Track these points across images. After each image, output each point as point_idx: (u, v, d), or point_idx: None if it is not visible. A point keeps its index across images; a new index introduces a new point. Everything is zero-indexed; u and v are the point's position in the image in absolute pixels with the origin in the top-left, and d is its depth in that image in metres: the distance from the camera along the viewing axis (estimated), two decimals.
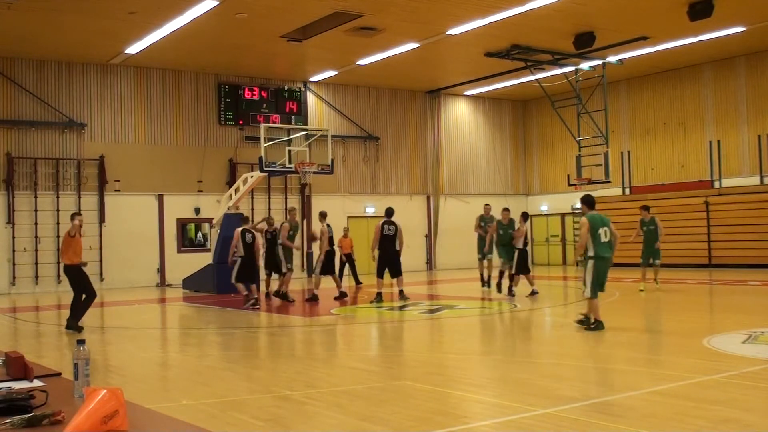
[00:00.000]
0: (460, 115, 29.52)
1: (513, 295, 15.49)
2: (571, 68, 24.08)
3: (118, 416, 2.53)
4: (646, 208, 16.82)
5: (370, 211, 26.89)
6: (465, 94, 29.15)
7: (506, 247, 15.97)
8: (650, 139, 26.50)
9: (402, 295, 15.27)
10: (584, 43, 20.78)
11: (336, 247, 17.47)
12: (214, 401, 6.57)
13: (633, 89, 26.96)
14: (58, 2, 16.62)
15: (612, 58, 23.36)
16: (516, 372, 7.93)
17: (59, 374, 3.69)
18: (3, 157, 21.22)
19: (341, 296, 16.21)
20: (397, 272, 15.52)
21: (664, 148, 26.12)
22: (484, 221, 17.58)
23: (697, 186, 24.68)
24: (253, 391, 7.05)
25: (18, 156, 21.34)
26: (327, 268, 16.38)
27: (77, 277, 11.82)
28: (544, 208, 29.85)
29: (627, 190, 26.73)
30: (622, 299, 15.23)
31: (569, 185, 24.89)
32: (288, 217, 16.38)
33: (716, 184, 24.37)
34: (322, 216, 16.60)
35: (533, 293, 15.55)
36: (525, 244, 15.93)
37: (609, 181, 23.83)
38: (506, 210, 16.44)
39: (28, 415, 2.66)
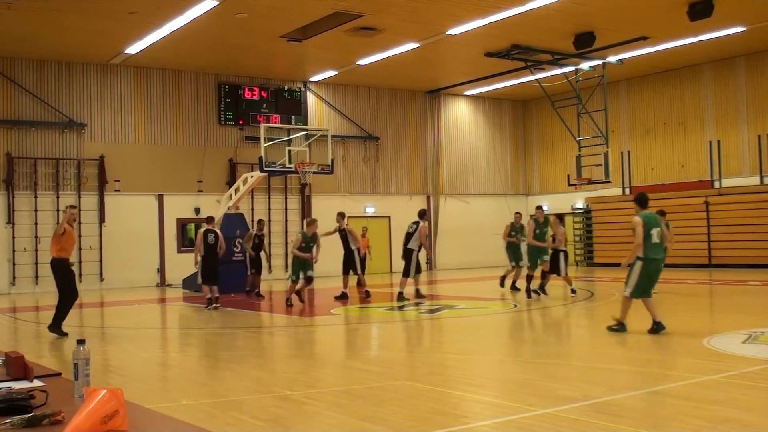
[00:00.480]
0: (460, 115, 29.52)
1: (545, 293, 15.49)
2: (571, 68, 24.08)
3: (118, 416, 2.54)
4: (662, 213, 16.44)
5: (370, 211, 26.90)
6: (465, 94, 29.15)
7: (540, 250, 15.56)
8: (650, 139, 26.51)
9: (400, 297, 15.25)
10: (584, 43, 20.78)
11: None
12: (214, 401, 6.57)
13: (633, 89, 26.96)
14: (58, 2, 16.62)
15: (612, 58, 23.36)
16: (516, 372, 7.93)
17: (59, 374, 3.69)
18: (3, 157, 21.23)
19: (342, 296, 16.21)
20: (403, 271, 15.55)
21: (664, 148, 26.12)
22: (515, 230, 17.14)
23: (697, 186, 24.68)
24: (253, 391, 7.05)
25: (18, 156, 21.34)
26: (349, 267, 16.56)
27: (59, 272, 11.12)
28: (544, 208, 29.81)
29: (627, 190, 26.72)
30: (620, 299, 15.22)
31: (569, 185, 24.90)
32: (306, 228, 15.32)
33: (716, 184, 24.38)
34: (342, 216, 16.69)
35: (538, 293, 15.49)
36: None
37: (609, 181, 23.84)
38: (540, 208, 16.05)
39: (28, 415, 2.66)
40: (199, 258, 15.39)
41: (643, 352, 9.01)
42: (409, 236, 15.60)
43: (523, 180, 31.05)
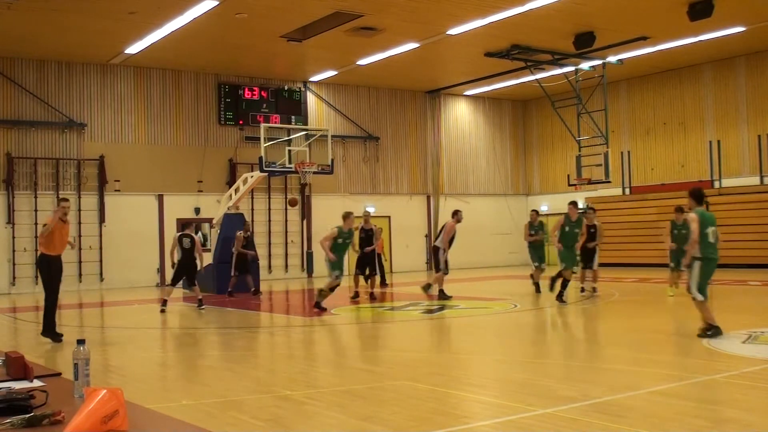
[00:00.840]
0: (460, 115, 29.52)
1: (595, 292, 14.95)
2: (571, 68, 24.08)
3: (118, 416, 2.54)
4: (680, 209, 14.95)
5: (370, 211, 26.87)
6: (465, 94, 29.15)
7: (571, 249, 14.20)
8: (650, 139, 26.50)
9: (424, 288, 15.20)
10: (584, 43, 20.78)
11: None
12: (214, 401, 6.57)
13: (633, 89, 26.96)
14: (58, 2, 16.62)
15: (612, 58, 23.36)
16: (516, 372, 7.93)
17: (59, 374, 3.69)
18: (3, 157, 21.23)
19: (356, 296, 16.12)
20: (434, 269, 15.58)
21: (664, 148, 26.12)
22: (533, 229, 16.70)
23: (697, 186, 24.65)
24: (253, 391, 7.05)
25: (18, 156, 21.35)
26: (366, 267, 16.61)
27: (43, 269, 10.59)
28: (544, 208, 29.80)
29: (627, 190, 26.72)
30: (621, 299, 15.23)
31: (569, 185, 24.90)
32: (343, 222, 14.04)
33: (716, 184, 24.37)
34: (369, 215, 16.77)
35: (584, 290, 15.11)
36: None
37: (609, 181, 23.84)
38: (574, 204, 14.65)
39: (28, 415, 2.66)
40: (175, 260, 15.32)
41: (643, 352, 9.00)
42: (438, 234, 15.71)
43: (523, 180, 31.05)
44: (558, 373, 7.67)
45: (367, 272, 16.95)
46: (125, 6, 16.94)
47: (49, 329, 10.62)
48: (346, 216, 14.08)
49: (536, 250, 16.71)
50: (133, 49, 20.62)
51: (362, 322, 13.34)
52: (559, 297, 14.03)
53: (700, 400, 6.11)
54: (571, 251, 14.22)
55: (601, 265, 26.04)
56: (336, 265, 13.76)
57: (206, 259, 20.57)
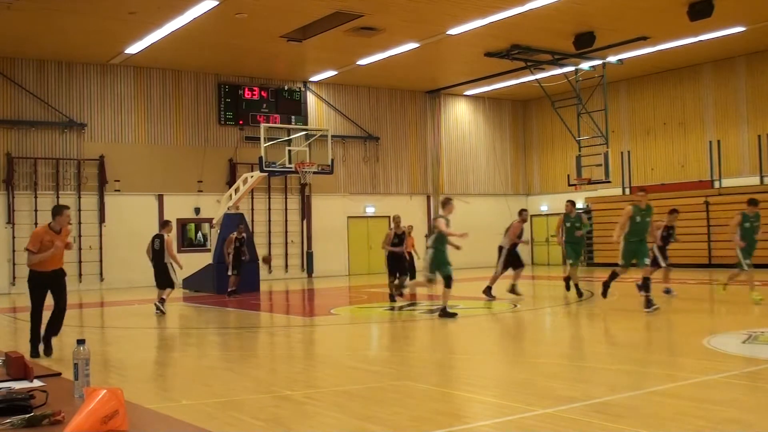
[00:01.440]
0: (460, 115, 29.52)
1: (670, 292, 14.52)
2: (571, 68, 24.08)
3: (118, 416, 2.54)
4: (754, 202, 13.78)
5: (370, 211, 26.89)
6: (465, 94, 29.15)
7: (642, 242, 12.39)
8: (650, 139, 26.50)
9: (486, 291, 15.22)
10: (584, 43, 20.79)
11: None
12: (214, 401, 6.57)
13: (633, 89, 26.96)
14: (58, 2, 16.63)
15: (612, 58, 23.36)
16: (516, 372, 7.93)
17: (59, 374, 3.69)
18: (3, 157, 21.23)
19: (392, 299, 16.05)
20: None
21: (664, 148, 26.12)
22: (569, 221, 15.22)
23: (697, 186, 24.68)
24: (253, 391, 7.05)
25: (18, 156, 21.35)
26: (397, 269, 16.52)
27: (28, 284, 9.51)
28: (544, 208, 29.85)
29: (627, 190, 26.72)
30: (621, 300, 15.23)
31: (569, 185, 24.92)
32: (442, 210, 13.00)
33: (716, 184, 24.37)
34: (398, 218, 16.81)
35: (669, 291, 14.66)
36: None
37: (609, 181, 23.85)
38: (643, 190, 12.74)
39: (28, 415, 2.66)
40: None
41: (643, 352, 9.01)
42: (506, 234, 15.66)
43: (523, 180, 31.05)
44: (558, 373, 7.66)
45: (398, 275, 16.92)
46: (125, 6, 16.94)
47: (32, 343, 9.45)
48: (446, 202, 12.80)
49: (575, 245, 15.44)
50: (133, 49, 20.62)
51: (362, 321, 13.34)
52: (604, 293, 13.07)
53: (700, 400, 6.10)
54: (642, 245, 12.39)
55: (602, 265, 26.26)
56: (442, 265, 12.77)
57: (207, 259, 20.69)
